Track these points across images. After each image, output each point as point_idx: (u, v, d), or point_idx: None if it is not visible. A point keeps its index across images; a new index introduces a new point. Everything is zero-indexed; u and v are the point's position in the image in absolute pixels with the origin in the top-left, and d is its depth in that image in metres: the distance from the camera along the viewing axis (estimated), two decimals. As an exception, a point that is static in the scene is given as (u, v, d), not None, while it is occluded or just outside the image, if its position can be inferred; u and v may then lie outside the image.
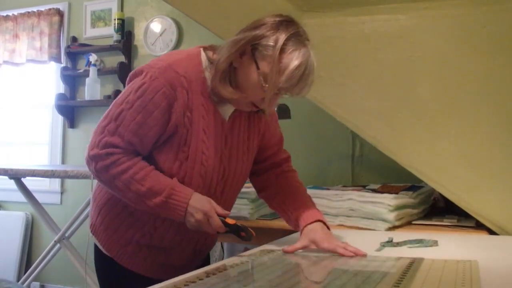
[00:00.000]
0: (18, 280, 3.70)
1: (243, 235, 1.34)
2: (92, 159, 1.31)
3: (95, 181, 1.46)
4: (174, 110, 1.32)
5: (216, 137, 1.40)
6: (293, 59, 1.27)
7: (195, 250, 1.50)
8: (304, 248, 1.39)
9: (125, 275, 1.45)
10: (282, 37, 1.28)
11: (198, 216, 1.29)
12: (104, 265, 1.51)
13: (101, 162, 1.30)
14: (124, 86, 1.42)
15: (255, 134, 1.51)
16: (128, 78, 1.39)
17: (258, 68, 1.30)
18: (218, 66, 1.33)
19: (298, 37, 1.31)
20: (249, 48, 1.31)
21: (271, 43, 1.28)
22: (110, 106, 1.35)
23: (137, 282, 1.37)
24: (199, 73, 1.36)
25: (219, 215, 1.32)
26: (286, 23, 1.31)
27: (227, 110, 1.42)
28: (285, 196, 1.54)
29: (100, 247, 1.49)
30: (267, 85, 1.29)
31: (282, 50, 1.27)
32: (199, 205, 1.30)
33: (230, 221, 1.33)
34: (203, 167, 1.37)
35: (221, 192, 1.44)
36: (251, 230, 1.34)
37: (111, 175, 1.30)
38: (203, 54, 1.39)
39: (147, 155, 1.36)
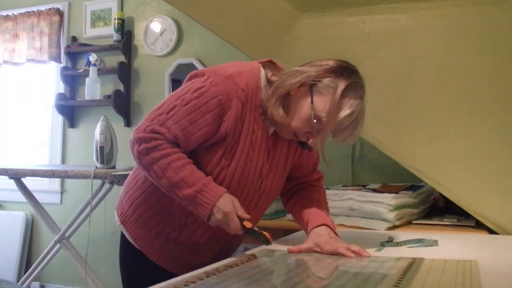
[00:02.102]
0: (18, 280, 3.70)
1: (262, 239, 1.36)
2: (137, 141, 1.35)
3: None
4: (226, 118, 1.35)
5: (260, 151, 1.44)
6: (347, 107, 1.32)
7: (221, 250, 1.52)
8: (309, 250, 1.41)
9: (148, 266, 1.48)
10: (343, 83, 1.33)
11: (218, 216, 1.31)
12: (129, 254, 1.54)
13: (144, 144, 1.33)
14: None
15: (293, 152, 1.54)
16: (188, 77, 1.43)
17: (312, 102, 1.34)
18: (276, 90, 1.37)
19: (357, 88, 1.36)
20: (309, 82, 1.35)
21: (332, 85, 1.33)
22: (166, 98, 1.39)
23: (157, 275, 1.40)
24: (257, 88, 1.40)
25: (239, 217, 1.33)
26: (350, 71, 1.37)
27: (271, 129, 1.46)
28: (303, 203, 1.56)
29: (128, 237, 1.51)
30: (315, 121, 1.33)
31: (340, 95, 1.32)
32: (222, 205, 1.32)
33: (247, 224, 1.34)
34: (243, 177, 1.40)
35: (255, 204, 1.48)
36: (267, 235, 1.36)
37: (151, 158, 1.33)
38: (262, 71, 1.43)
39: (190, 153, 1.39)
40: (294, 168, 1.58)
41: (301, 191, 1.61)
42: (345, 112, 1.32)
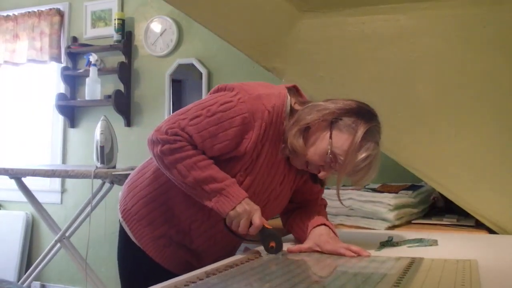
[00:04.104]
0: (18, 280, 3.70)
1: (272, 245, 1.36)
2: (160, 141, 1.35)
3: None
4: (247, 137, 1.37)
5: (276, 175, 1.46)
6: (363, 149, 1.34)
7: (222, 256, 1.51)
8: (309, 250, 1.42)
9: (148, 264, 1.49)
10: (365, 125, 1.35)
11: (240, 209, 1.33)
12: (128, 251, 1.55)
13: (168, 145, 1.34)
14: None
15: (300, 177, 1.55)
16: (215, 88, 1.45)
17: (330, 137, 1.36)
18: (298, 122, 1.39)
19: (375, 133, 1.38)
20: (330, 118, 1.37)
21: (353, 126, 1.35)
22: (192, 104, 1.40)
23: (158, 273, 1.42)
24: (282, 113, 1.41)
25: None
26: (371, 114, 1.40)
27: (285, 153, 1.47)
28: (302, 214, 1.57)
29: (130, 234, 1.51)
30: (330, 156, 1.36)
31: (361, 138, 1.34)
32: (247, 203, 1.35)
33: (267, 225, 1.36)
34: (253, 196, 1.41)
35: None
36: (274, 245, 1.36)
37: (175, 158, 1.34)
38: (288, 98, 1.44)
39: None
40: (297, 192, 1.58)
41: (301, 207, 1.61)
42: (361, 154, 1.34)
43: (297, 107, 1.44)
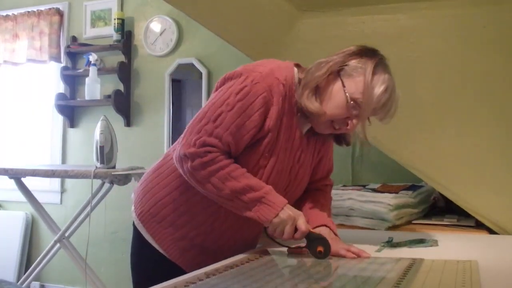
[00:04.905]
0: (18, 280, 3.70)
1: (320, 250, 1.32)
2: (189, 157, 1.31)
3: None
4: (270, 115, 1.35)
5: (292, 150, 1.43)
6: (380, 82, 1.34)
7: (244, 249, 1.49)
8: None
9: (167, 266, 1.43)
10: (371, 61, 1.35)
11: (283, 216, 1.30)
12: (146, 254, 1.49)
13: (199, 159, 1.30)
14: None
15: (316, 156, 1.54)
16: (222, 80, 1.41)
17: (344, 86, 1.34)
18: (307, 84, 1.37)
19: (384, 65, 1.38)
20: (335, 70, 1.36)
21: (360, 65, 1.34)
22: (206, 107, 1.35)
23: (177, 275, 1.37)
24: (293, 85, 1.40)
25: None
26: (373, 51, 1.39)
27: (304, 127, 1.45)
28: (307, 204, 1.55)
29: (148, 237, 1.46)
30: (352, 103, 1.33)
31: (372, 73, 1.33)
32: (289, 209, 1.32)
33: (313, 231, 1.34)
34: (277, 175, 1.39)
35: None
36: (322, 249, 1.32)
37: (208, 171, 1.30)
38: (295, 69, 1.43)
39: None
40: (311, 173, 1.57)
41: (308, 192, 1.59)
42: (380, 88, 1.33)
43: (302, 76, 1.42)
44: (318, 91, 1.38)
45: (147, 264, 1.49)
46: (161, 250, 1.44)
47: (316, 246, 1.32)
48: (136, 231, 1.50)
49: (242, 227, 1.42)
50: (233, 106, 1.31)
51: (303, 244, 1.37)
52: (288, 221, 1.30)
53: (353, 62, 1.35)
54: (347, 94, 1.33)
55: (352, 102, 1.33)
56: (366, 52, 1.37)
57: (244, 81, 1.33)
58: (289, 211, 1.31)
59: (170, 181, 1.44)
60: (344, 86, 1.34)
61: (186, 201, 1.42)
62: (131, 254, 1.54)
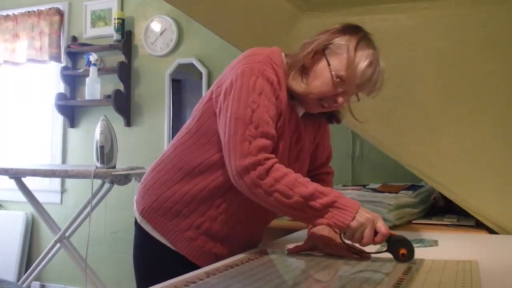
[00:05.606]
0: (18, 280, 3.70)
1: (403, 252, 1.25)
2: (249, 168, 1.25)
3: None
4: (280, 97, 1.36)
5: (289, 133, 1.43)
6: (364, 57, 1.34)
7: (250, 240, 1.50)
8: (309, 249, 1.40)
9: (174, 259, 1.42)
10: (354, 37, 1.35)
11: (361, 219, 1.24)
12: (151, 250, 1.47)
13: (260, 167, 1.25)
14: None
15: (313, 140, 1.54)
16: (226, 90, 1.35)
17: (329, 64, 1.35)
18: (293, 66, 1.40)
19: (368, 40, 1.38)
20: (320, 48, 1.37)
21: (343, 42, 1.35)
22: (228, 118, 1.30)
23: (186, 269, 1.36)
24: (284, 69, 1.41)
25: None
26: (356, 27, 1.40)
27: (300, 111, 1.46)
28: None
29: (153, 232, 1.44)
30: (338, 80, 1.34)
31: (355, 49, 1.33)
32: (365, 211, 1.27)
33: (394, 233, 1.27)
34: (281, 161, 1.35)
35: None
36: (405, 252, 1.25)
37: (273, 178, 1.25)
38: (282, 53, 1.44)
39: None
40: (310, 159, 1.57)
41: None
42: (364, 63, 1.33)
43: (289, 60, 1.44)
44: (305, 71, 1.39)
45: (150, 258, 1.48)
46: (167, 243, 1.43)
47: (399, 248, 1.25)
48: (139, 228, 1.49)
49: (248, 212, 1.41)
50: (259, 103, 1.30)
51: (384, 248, 1.29)
52: (367, 224, 1.23)
53: (337, 40, 1.36)
54: (332, 72, 1.35)
55: (337, 80, 1.35)
56: (350, 29, 1.38)
57: (252, 75, 1.32)
58: (366, 213, 1.25)
59: (170, 177, 1.44)
60: (329, 64, 1.35)
61: (189, 191, 1.41)
62: (134, 249, 1.53)
